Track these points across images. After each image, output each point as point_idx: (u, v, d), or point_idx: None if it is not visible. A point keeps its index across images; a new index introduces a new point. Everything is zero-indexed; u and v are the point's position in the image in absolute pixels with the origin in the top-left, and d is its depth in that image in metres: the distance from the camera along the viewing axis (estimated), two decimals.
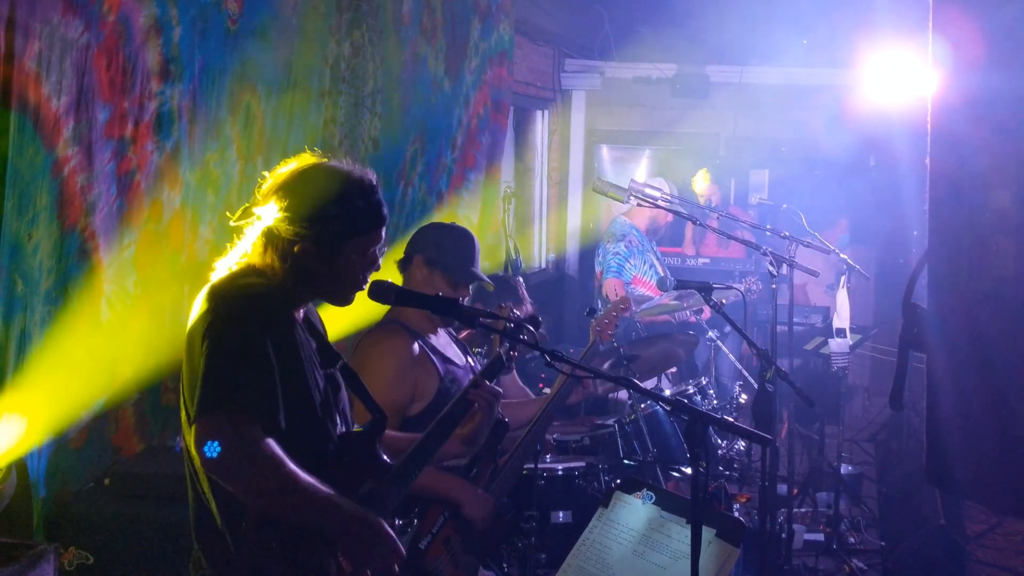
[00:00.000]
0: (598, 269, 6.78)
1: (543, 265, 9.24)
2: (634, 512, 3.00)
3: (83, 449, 3.25)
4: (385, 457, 2.56)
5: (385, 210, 2.50)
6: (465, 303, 3.59)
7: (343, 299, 2.52)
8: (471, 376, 3.88)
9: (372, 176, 2.49)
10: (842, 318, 5.74)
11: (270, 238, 2.40)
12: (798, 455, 6.44)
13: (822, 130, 8.69)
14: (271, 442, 2.21)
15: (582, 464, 4.29)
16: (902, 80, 6.52)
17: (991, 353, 2.10)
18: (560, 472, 4.21)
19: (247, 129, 3.96)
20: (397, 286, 2.62)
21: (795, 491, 6.08)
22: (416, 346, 3.63)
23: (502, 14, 6.91)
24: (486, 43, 6.62)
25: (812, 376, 7.02)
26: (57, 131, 3.00)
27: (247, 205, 2.43)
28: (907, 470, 6.11)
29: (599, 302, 6.84)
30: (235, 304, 2.32)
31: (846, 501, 6.14)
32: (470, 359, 3.98)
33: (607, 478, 4.29)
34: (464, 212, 6.49)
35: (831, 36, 7.72)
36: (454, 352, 3.80)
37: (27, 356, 2.95)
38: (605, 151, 9.78)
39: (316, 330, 2.57)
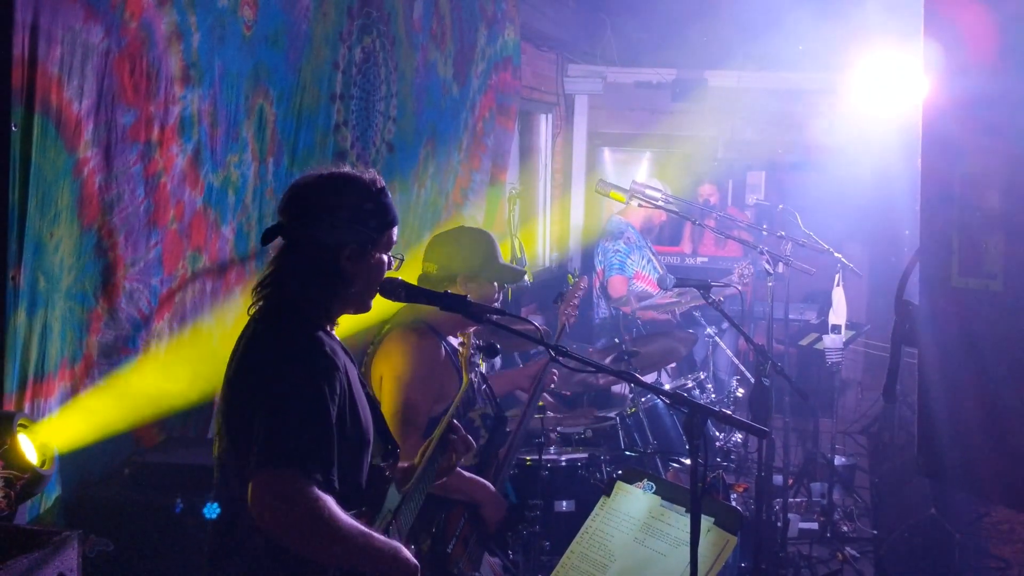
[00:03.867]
0: (599, 267, 6.78)
1: (547, 264, 9.23)
2: (635, 501, 3.00)
3: (103, 439, 3.25)
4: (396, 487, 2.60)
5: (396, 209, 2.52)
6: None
7: (366, 303, 2.52)
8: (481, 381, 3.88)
9: (379, 178, 2.51)
10: (838, 314, 5.72)
11: (307, 254, 2.37)
12: (793, 447, 6.44)
13: (817, 132, 8.67)
14: (329, 500, 2.18)
15: (585, 455, 4.29)
16: (895, 84, 6.50)
17: (980, 348, 2.10)
18: (563, 463, 4.22)
19: (261, 131, 3.96)
20: (407, 283, 2.61)
21: (790, 481, 6.08)
22: (443, 348, 3.64)
23: (507, 20, 6.90)
24: (492, 48, 6.61)
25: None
26: (78, 133, 3.00)
27: (273, 227, 2.39)
28: (899, 461, 6.10)
29: (603, 300, 6.84)
30: (290, 352, 2.28)
31: (839, 491, 6.13)
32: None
33: (609, 469, 4.30)
34: (470, 212, 6.48)
35: (826, 41, 7.69)
36: None
37: (48, 350, 2.96)
38: (607, 153, 9.77)
39: (348, 354, 2.53)
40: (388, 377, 3.55)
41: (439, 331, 3.66)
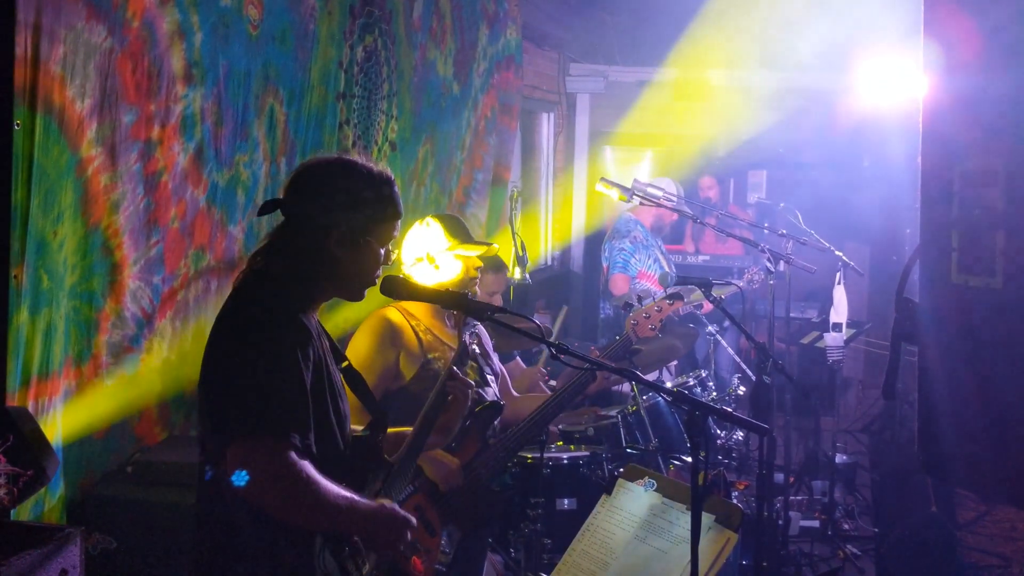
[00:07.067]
0: (604, 265, 6.78)
1: (549, 262, 9.24)
2: (636, 499, 3.00)
3: (106, 438, 3.26)
4: (386, 456, 2.60)
5: (401, 205, 2.51)
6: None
7: (359, 292, 2.49)
8: (485, 368, 3.88)
9: (389, 171, 2.51)
10: (839, 313, 5.71)
11: (299, 231, 2.37)
12: (794, 444, 6.43)
13: (818, 131, 8.67)
14: (307, 465, 2.19)
15: (586, 453, 4.29)
16: (895, 82, 6.50)
17: (981, 345, 2.10)
18: (565, 461, 4.21)
19: (271, 131, 3.97)
20: (408, 281, 2.62)
21: (791, 479, 6.07)
22: (405, 326, 3.70)
23: (509, 19, 6.91)
24: (494, 47, 6.61)
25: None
26: (81, 132, 3.00)
27: (270, 200, 2.42)
28: (900, 459, 6.10)
29: (606, 299, 6.84)
30: (263, 320, 2.27)
31: (840, 489, 6.13)
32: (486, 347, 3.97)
33: (610, 466, 4.29)
34: (472, 211, 6.48)
35: (827, 41, 7.69)
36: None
37: (52, 348, 2.96)
38: (609, 152, 9.77)
39: (325, 331, 2.54)
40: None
41: (412, 313, 3.74)
